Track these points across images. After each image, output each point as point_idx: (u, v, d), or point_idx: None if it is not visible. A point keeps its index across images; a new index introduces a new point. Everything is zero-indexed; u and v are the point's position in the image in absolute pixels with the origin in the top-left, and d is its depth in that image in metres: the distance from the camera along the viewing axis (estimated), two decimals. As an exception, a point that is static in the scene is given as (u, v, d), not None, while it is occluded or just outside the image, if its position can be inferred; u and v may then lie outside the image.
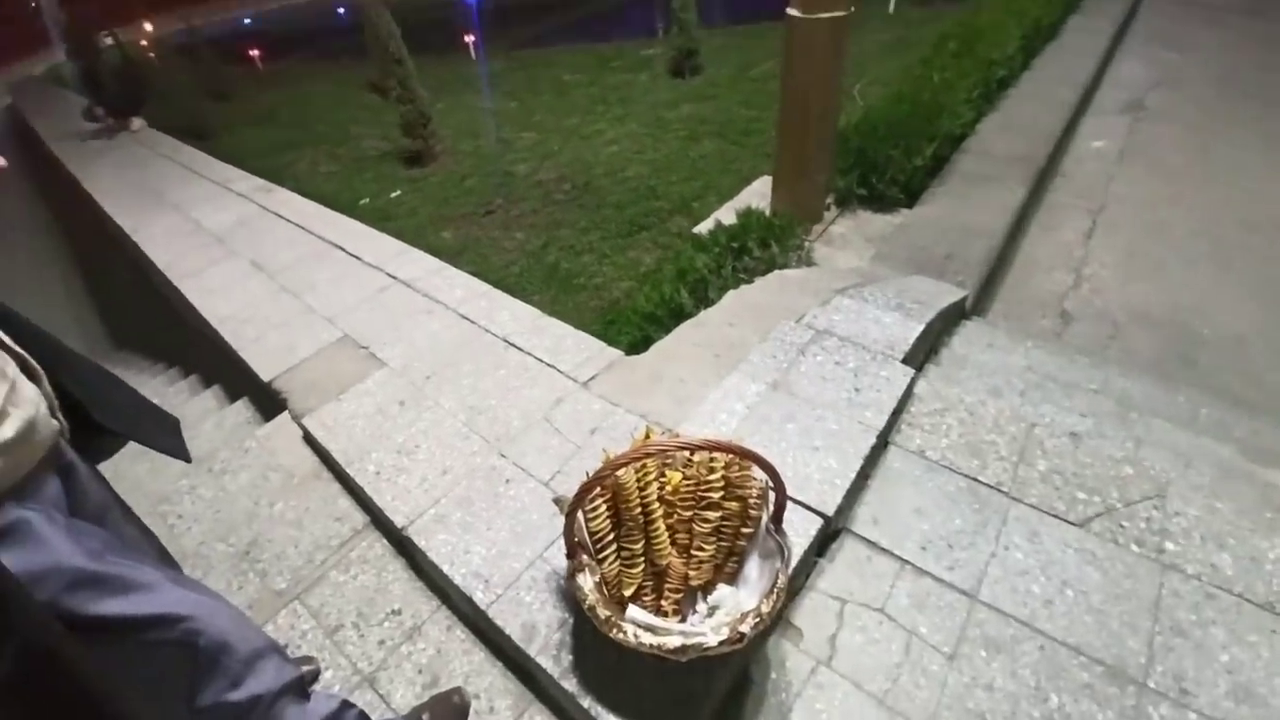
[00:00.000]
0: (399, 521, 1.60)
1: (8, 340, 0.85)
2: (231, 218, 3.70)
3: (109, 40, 8.08)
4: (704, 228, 3.28)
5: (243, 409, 2.48)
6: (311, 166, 5.58)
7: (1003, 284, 3.09)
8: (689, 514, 1.31)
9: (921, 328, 1.95)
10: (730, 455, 1.25)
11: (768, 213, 3.07)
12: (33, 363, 0.87)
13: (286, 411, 2.12)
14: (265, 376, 2.26)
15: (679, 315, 2.50)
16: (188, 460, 1.12)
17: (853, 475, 1.51)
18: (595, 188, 4.37)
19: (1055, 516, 1.53)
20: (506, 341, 2.20)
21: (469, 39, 8.38)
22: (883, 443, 1.66)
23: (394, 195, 4.78)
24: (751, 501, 1.28)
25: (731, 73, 6.35)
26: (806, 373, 1.81)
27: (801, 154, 2.99)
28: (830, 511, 1.45)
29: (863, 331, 1.94)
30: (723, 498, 1.28)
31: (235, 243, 3.36)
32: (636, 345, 2.38)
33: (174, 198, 4.28)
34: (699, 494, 1.29)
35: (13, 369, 0.83)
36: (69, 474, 0.92)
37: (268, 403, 2.31)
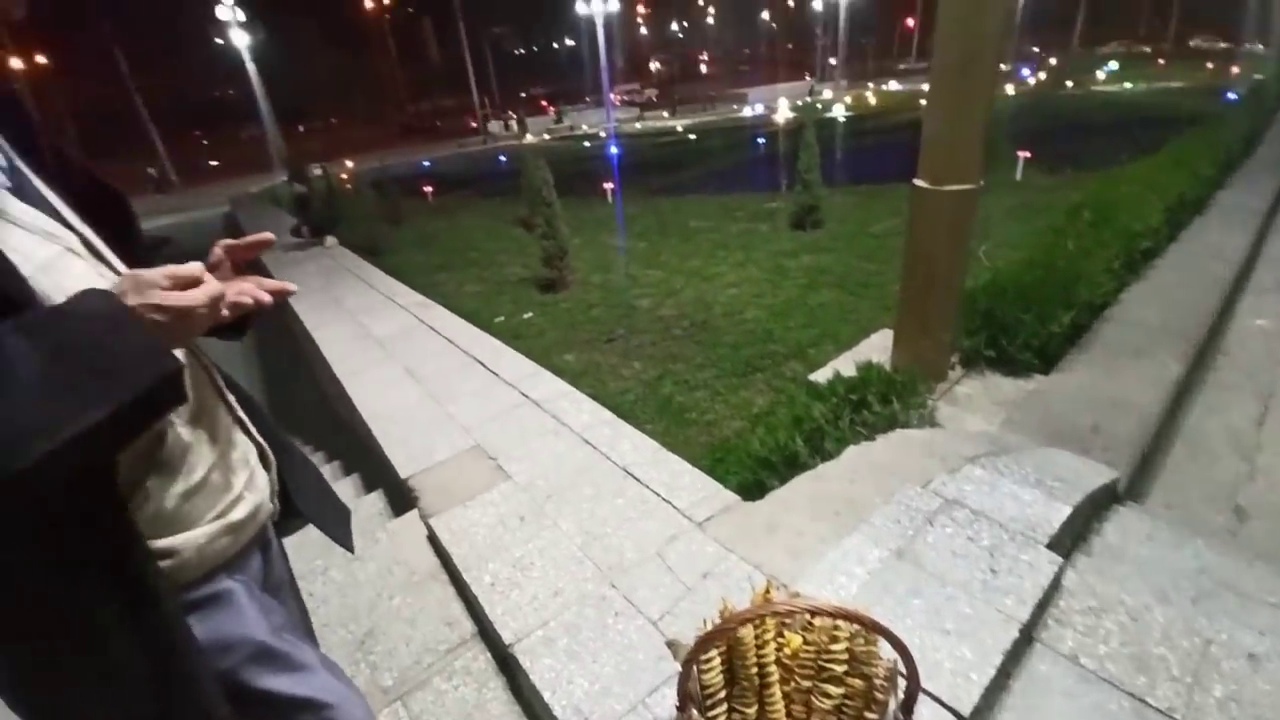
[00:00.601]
0: (506, 637, 1.63)
1: (254, 432, 1.02)
2: (394, 327, 4.23)
3: (317, 171, 9.94)
4: (821, 375, 3.30)
5: (376, 500, 2.68)
6: (458, 286, 6.31)
7: (1161, 468, 2.80)
8: (808, 684, 1.23)
9: (1069, 510, 1.81)
10: (857, 626, 1.19)
11: (888, 366, 3.06)
12: (269, 453, 1.03)
13: (416, 510, 2.28)
14: (403, 474, 2.46)
15: (793, 463, 2.49)
16: (352, 551, 1.24)
17: (992, 671, 1.36)
18: (713, 326, 4.58)
19: (1241, 760, 1.28)
20: (626, 471, 2.28)
21: (609, 186, 9.45)
22: (1026, 638, 1.50)
23: (526, 316, 5.26)
24: (878, 683, 1.19)
25: (852, 228, 6.63)
26: (934, 544, 1.71)
27: (925, 313, 3.01)
28: (966, 711, 1.30)
29: (998, 506, 1.83)
30: (846, 672, 1.20)
31: (394, 349, 3.82)
32: (748, 488, 2.37)
33: (350, 305, 4.98)
34: (820, 663, 1.22)
35: (254, 457, 0.98)
36: (266, 549, 1.05)
37: (400, 499, 2.50)
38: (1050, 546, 1.69)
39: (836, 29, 34.45)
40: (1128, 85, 20.89)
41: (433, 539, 2.12)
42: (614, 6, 23.67)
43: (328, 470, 3.60)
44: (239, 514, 0.89)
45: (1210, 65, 23.60)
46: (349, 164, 17.60)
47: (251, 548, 0.96)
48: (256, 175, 21.09)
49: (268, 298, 0.86)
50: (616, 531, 1.97)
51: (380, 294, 5.22)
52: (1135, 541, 2.05)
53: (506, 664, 1.65)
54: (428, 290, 5.44)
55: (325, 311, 4.86)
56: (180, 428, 0.82)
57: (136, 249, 0.90)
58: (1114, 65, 26.10)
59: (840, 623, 1.22)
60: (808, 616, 1.26)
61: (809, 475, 2.20)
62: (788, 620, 1.30)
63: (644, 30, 52.96)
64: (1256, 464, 2.75)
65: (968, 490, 1.91)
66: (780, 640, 1.26)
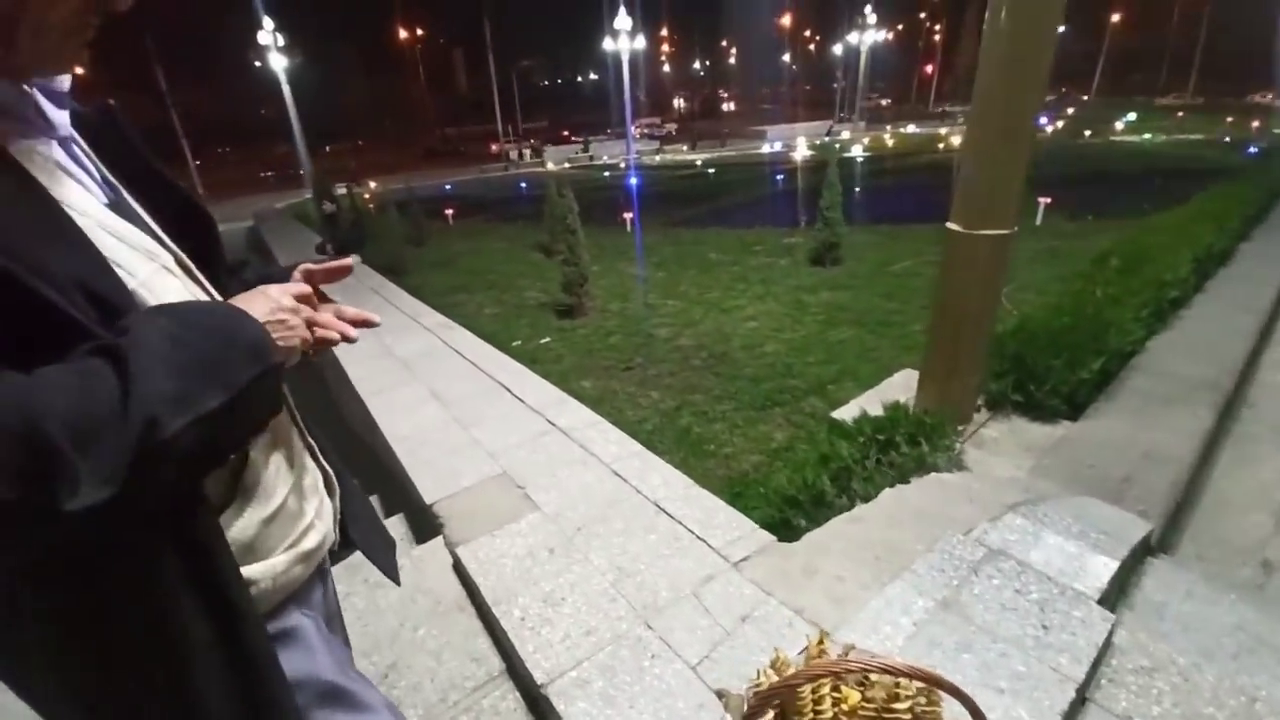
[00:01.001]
0: (539, 677, 1.58)
1: (323, 460, 1.00)
2: (418, 347, 4.24)
3: (342, 191, 10.12)
4: (845, 414, 3.28)
5: (398, 524, 2.65)
6: (478, 308, 6.34)
7: (1189, 519, 2.76)
8: (863, 744, 1.18)
9: (1117, 565, 1.76)
10: (919, 683, 1.14)
11: (911, 407, 3.03)
12: (335, 480, 1.01)
13: (442, 536, 2.25)
14: (428, 499, 2.43)
15: (819, 502, 2.45)
16: (398, 583, 1.21)
17: (1049, 734, 1.31)
18: (731, 359, 4.56)
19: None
20: (657, 506, 2.24)
21: (628, 215, 9.55)
22: (1080, 698, 1.45)
23: (544, 341, 5.27)
24: (938, 745, 1.14)
25: (871, 267, 6.64)
26: (981, 596, 1.66)
27: (953, 354, 3.00)
28: (1024, 775, 1.25)
29: (1044, 559, 1.78)
30: (905, 734, 1.15)
31: (419, 370, 3.82)
32: (773, 525, 2.33)
33: (372, 324, 5.00)
34: (877, 722, 1.17)
35: (322, 484, 0.97)
36: (325, 579, 1.02)
37: (424, 524, 2.47)
38: (1099, 602, 1.65)
39: (857, 73, 35.15)
40: (1146, 136, 21.12)
41: (458, 568, 2.08)
42: (640, 44, 24.28)
43: (346, 490, 3.57)
44: (310, 542, 0.86)
45: (1230, 119, 23.90)
46: (372, 184, 17.96)
47: (315, 578, 0.93)
48: (282, 191, 21.50)
49: (354, 333, 0.85)
50: (649, 569, 1.93)
51: (404, 314, 5.25)
52: (1176, 597, 2.00)
53: (537, 705, 1.60)
54: (447, 311, 5.46)
55: (348, 330, 4.88)
56: (261, 451, 0.81)
57: (220, 271, 0.90)
58: (1132, 116, 26.40)
59: (902, 680, 1.17)
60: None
61: (845, 517, 2.16)
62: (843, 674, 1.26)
63: (667, 68, 54.35)
64: (1285, 519, 2.71)
65: (1011, 540, 1.87)
66: (836, 695, 1.22)
